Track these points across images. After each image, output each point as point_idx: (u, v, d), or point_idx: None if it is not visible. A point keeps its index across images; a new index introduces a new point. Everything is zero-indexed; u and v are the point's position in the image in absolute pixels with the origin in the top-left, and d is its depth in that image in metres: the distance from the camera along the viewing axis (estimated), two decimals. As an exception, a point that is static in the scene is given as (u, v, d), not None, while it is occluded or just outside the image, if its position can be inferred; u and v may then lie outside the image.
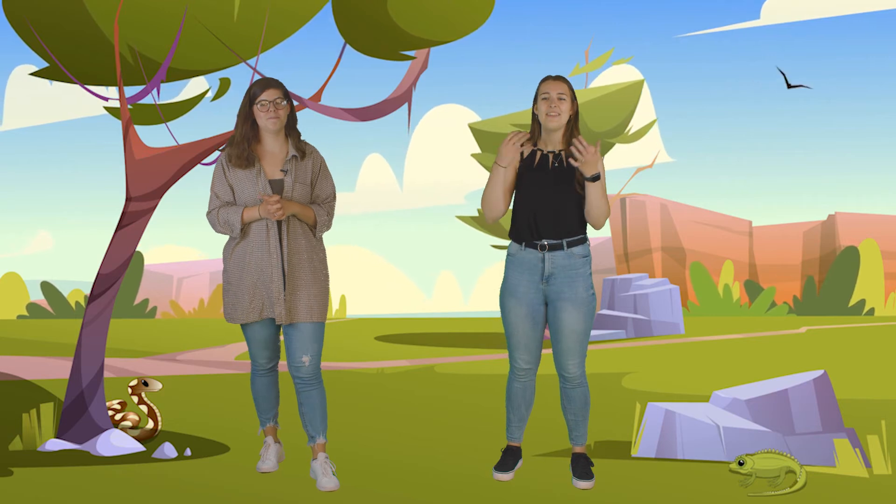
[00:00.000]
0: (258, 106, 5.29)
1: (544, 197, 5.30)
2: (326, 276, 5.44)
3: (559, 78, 5.37)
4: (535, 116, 5.39)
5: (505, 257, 5.45)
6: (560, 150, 5.36)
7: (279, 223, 5.30)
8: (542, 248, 5.30)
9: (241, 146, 5.32)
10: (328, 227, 5.45)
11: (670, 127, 45.20)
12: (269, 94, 5.29)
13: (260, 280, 5.31)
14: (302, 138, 5.45)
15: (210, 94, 6.85)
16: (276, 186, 5.33)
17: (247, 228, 5.33)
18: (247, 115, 5.33)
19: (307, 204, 5.38)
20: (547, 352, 5.74)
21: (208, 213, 5.40)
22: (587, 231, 5.41)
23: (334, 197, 5.49)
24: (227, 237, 5.43)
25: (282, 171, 5.35)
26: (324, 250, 5.47)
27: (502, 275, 5.47)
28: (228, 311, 5.42)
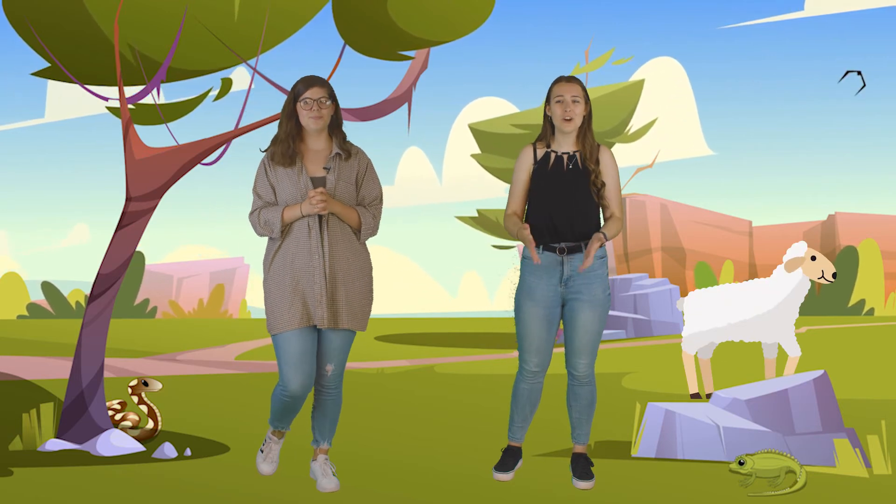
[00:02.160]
0: (301, 104, 5.15)
1: (560, 200, 5.27)
2: (369, 282, 5.27)
3: (572, 79, 5.34)
4: (547, 118, 5.37)
5: (520, 260, 5.43)
6: (574, 152, 5.34)
7: (320, 224, 5.13)
8: (562, 251, 5.29)
9: (285, 144, 5.18)
10: (374, 231, 5.26)
11: (712, 119, 44.57)
12: (313, 93, 5.14)
13: (301, 283, 5.12)
14: (347, 139, 5.29)
15: (212, 94, 6.85)
16: (319, 184, 5.16)
17: (287, 230, 5.16)
18: (290, 112, 5.19)
19: (352, 205, 5.21)
20: (557, 351, 5.74)
21: (250, 214, 5.24)
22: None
23: (381, 200, 5.31)
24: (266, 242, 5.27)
25: (325, 168, 5.20)
26: (368, 255, 5.29)
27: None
28: (269, 320, 5.19)
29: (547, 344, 5.37)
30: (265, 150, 5.28)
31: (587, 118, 5.33)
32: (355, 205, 5.23)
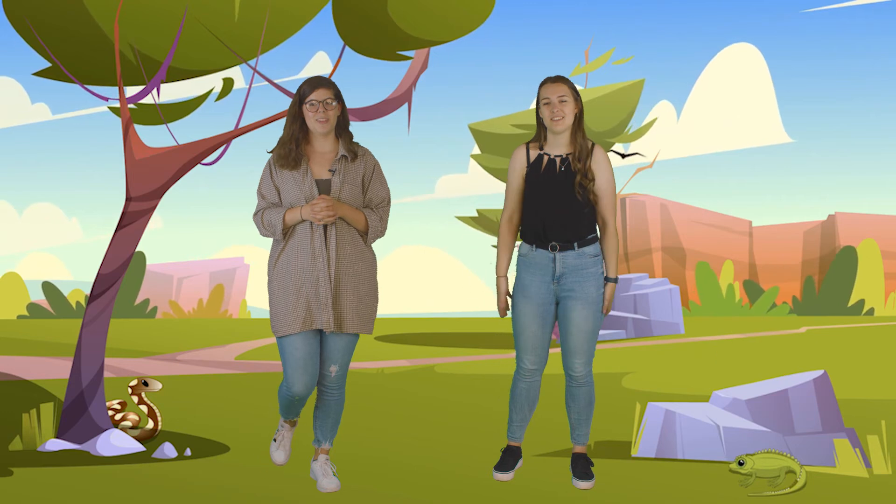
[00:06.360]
0: (307, 105, 5.08)
1: (552, 203, 5.26)
2: (375, 285, 5.21)
3: (559, 79, 5.30)
4: (539, 120, 5.36)
5: (517, 257, 5.43)
6: (567, 154, 5.32)
7: (325, 227, 5.06)
8: (553, 248, 5.29)
9: (287, 146, 5.11)
10: (381, 234, 5.20)
11: (791, 105, 43.74)
12: (318, 94, 5.06)
13: (304, 286, 5.06)
14: (354, 140, 5.22)
15: (213, 95, 6.85)
16: (323, 186, 5.10)
17: (291, 231, 5.10)
18: (295, 114, 5.12)
19: (358, 208, 5.15)
20: (554, 351, 5.74)
21: (254, 215, 5.19)
22: (597, 231, 5.38)
23: (388, 202, 5.24)
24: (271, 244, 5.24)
25: (330, 170, 5.13)
26: (374, 257, 5.23)
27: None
28: (273, 323, 5.14)
29: (543, 341, 5.37)
30: (271, 152, 5.23)
31: (578, 116, 5.31)
32: (361, 207, 5.17)
